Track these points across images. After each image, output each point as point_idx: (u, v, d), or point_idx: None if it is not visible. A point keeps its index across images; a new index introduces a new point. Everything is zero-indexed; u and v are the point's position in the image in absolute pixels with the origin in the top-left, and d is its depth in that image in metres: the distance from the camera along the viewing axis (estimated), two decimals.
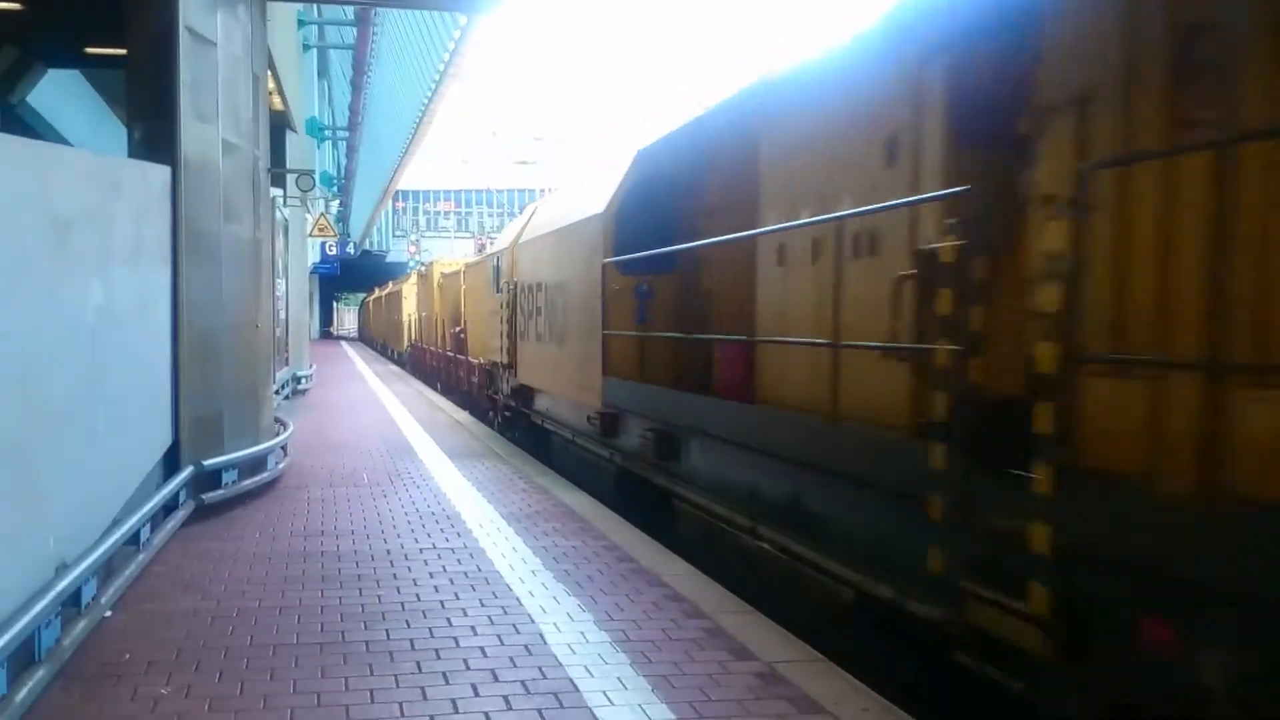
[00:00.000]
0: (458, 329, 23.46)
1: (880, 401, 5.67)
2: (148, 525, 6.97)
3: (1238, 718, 3.25)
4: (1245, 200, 3.48)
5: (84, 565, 5.34)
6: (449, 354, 24.74)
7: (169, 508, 8.01)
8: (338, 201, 45.64)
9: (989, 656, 4.45)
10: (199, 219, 8.86)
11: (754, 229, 7.36)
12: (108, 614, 5.96)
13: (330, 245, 38.19)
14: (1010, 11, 4.96)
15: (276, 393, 18.68)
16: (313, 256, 36.06)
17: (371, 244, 76.33)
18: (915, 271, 5.24)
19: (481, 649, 5.51)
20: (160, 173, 8.14)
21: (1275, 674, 3.14)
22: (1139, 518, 3.67)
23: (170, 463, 8.52)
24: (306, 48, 25.68)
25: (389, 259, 75.06)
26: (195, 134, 8.79)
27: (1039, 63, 4.59)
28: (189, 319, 8.72)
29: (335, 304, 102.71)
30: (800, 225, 6.62)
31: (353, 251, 55.50)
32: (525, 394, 14.49)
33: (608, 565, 7.35)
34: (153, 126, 8.83)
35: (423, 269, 34.23)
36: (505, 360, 15.46)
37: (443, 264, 29.39)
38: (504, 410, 16.20)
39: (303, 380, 22.38)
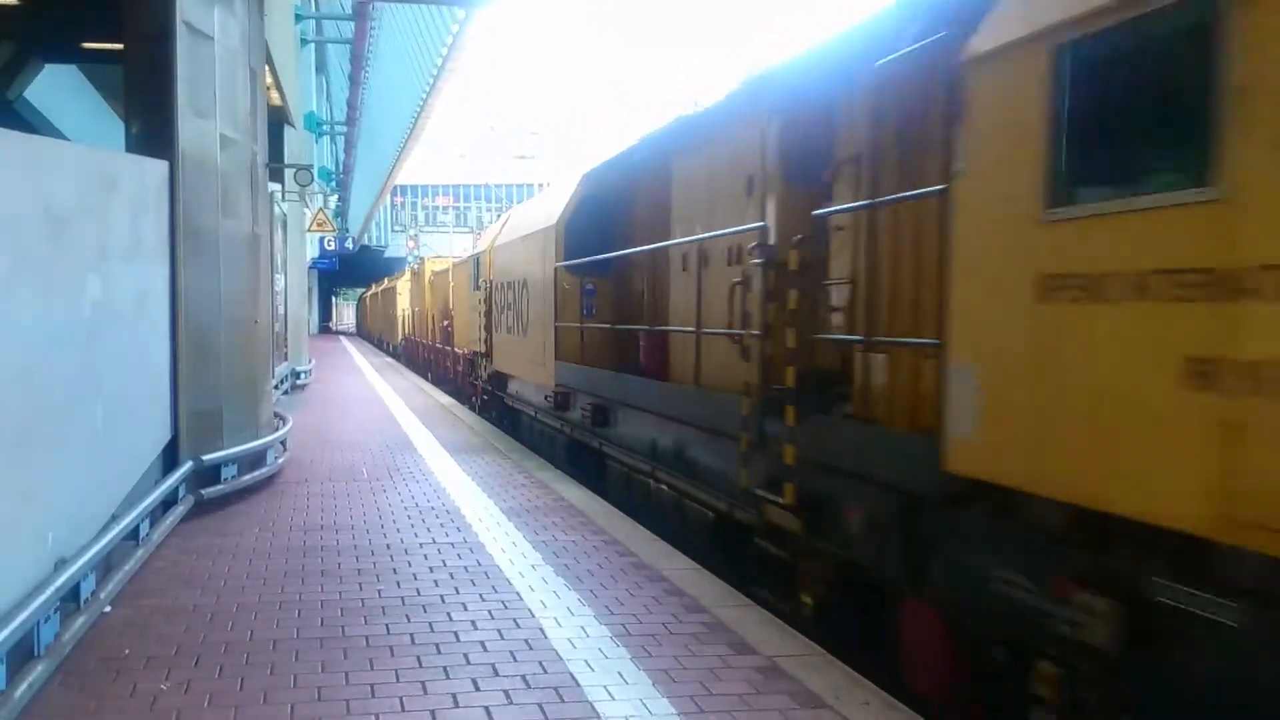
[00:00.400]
0: (446, 323, 25.13)
1: (721, 373, 7.78)
2: (147, 520, 6.97)
3: (865, 545, 5.66)
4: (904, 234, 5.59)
5: (83, 560, 5.33)
6: (438, 346, 26.54)
7: (168, 503, 8.01)
8: (336, 197, 45.60)
9: (771, 539, 6.74)
10: (197, 214, 8.84)
11: (666, 241, 9.17)
12: (107, 609, 5.95)
13: (329, 240, 38.18)
14: (817, 88, 6.69)
15: (275, 388, 18.69)
16: (311, 252, 36.04)
17: (370, 239, 76.24)
18: (740, 280, 7.32)
19: (482, 643, 5.50)
20: (158, 168, 8.11)
21: (882, 515, 5.47)
22: (836, 439, 5.91)
23: (169, 458, 8.50)
24: (304, 43, 25.62)
25: (387, 254, 75.00)
26: (193, 129, 8.76)
27: (834, 129, 6.35)
28: (187, 314, 8.70)
29: (334, 299, 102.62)
30: (677, 243, 8.78)
31: (351, 247, 55.47)
32: (499, 379, 16.54)
33: (607, 560, 7.34)
34: (150, 121, 8.80)
35: (415, 267, 36.20)
36: (483, 350, 17.50)
37: (433, 262, 31.08)
38: (483, 394, 18.15)
39: (301, 375, 22.37)
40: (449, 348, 24.12)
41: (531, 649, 5.42)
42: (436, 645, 5.47)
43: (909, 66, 5.52)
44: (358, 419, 16.83)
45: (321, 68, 35.23)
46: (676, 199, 9.14)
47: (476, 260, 18.72)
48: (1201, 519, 3.37)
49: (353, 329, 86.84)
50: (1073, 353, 3.94)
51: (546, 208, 13.40)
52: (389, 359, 38.46)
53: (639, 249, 10.14)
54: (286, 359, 21.30)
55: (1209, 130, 3.39)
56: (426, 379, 26.87)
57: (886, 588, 5.60)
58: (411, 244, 69.48)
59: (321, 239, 36.93)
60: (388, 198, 67.84)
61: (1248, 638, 3.36)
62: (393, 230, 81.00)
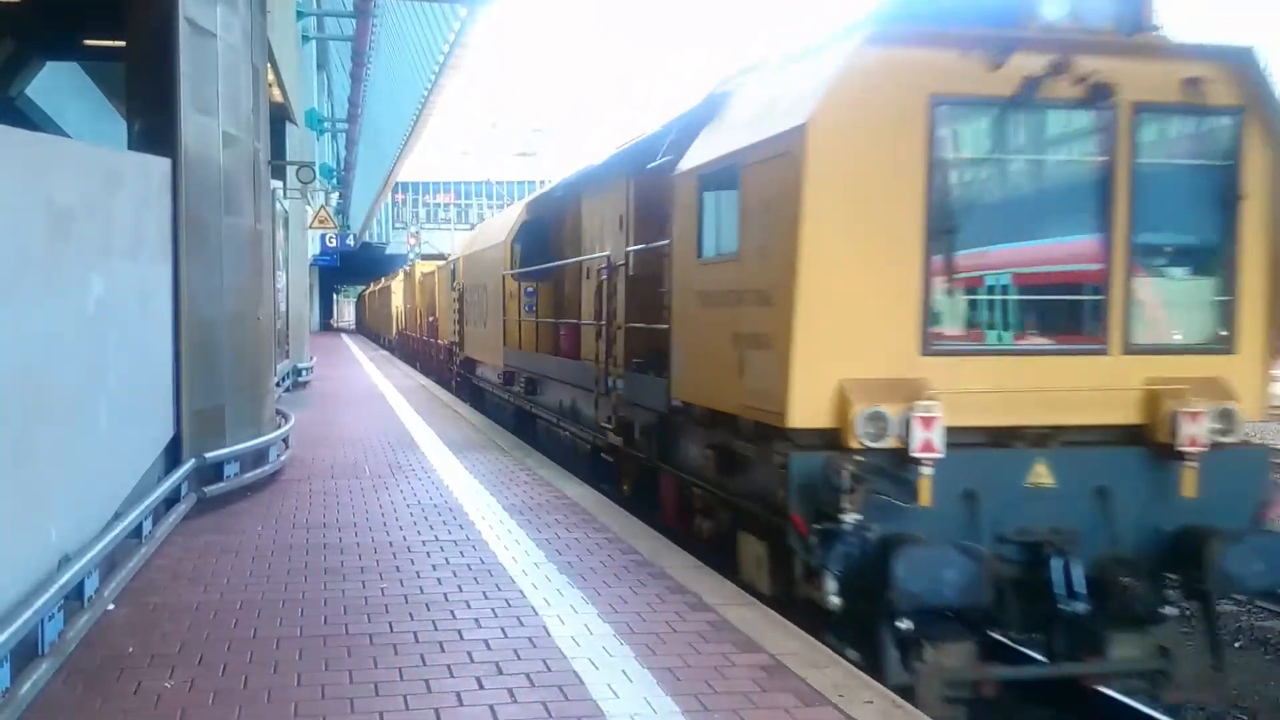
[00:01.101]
0: (431, 319, 28.60)
1: (590, 349, 11.24)
2: (150, 518, 6.96)
3: (644, 446, 9.30)
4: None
5: (87, 558, 5.33)
6: (425, 339, 30.30)
7: (171, 501, 8.00)
8: (337, 194, 45.54)
9: (613, 455, 10.36)
10: (199, 211, 8.82)
11: (577, 257, 12.57)
12: (110, 607, 5.95)
13: (330, 237, 38.15)
14: (655, 161, 9.16)
15: (277, 385, 18.67)
16: (313, 249, 36.02)
17: (371, 236, 76.13)
18: (598, 289, 10.75)
19: (486, 641, 5.50)
20: (160, 165, 8.10)
21: (649, 426, 9.07)
22: (632, 386, 9.33)
23: (172, 456, 8.49)
24: (305, 39, 25.60)
25: (388, 251, 74.87)
26: (195, 126, 8.74)
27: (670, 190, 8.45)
28: (190, 311, 8.68)
29: (335, 296, 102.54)
30: (575, 260, 12.58)
31: (352, 244, 55.42)
32: (469, 364, 20.72)
33: (610, 558, 7.34)
34: (153, 119, 8.79)
35: (407, 269, 39.66)
36: (457, 340, 21.44)
37: (422, 265, 34.40)
38: (457, 377, 22.49)
39: (303, 373, 22.34)
40: (434, 340, 27.71)
41: (535, 647, 5.41)
42: (440, 643, 5.46)
43: (656, 172, 8.95)
44: (359, 416, 16.82)
45: (323, 65, 35.17)
46: (584, 226, 12.49)
47: (453, 266, 22.40)
48: (738, 407, 6.96)
49: (353, 326, 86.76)
50: (706, 331, 7.51)
51: (501, 227, 16.78)
52: (384, 352, 41.30)
53: (560, 263, 13.37)
54: (288, 356, 21.29)
55: (741, 223, 6.97)
56: (415, 368, 29.66)
57: (655, 469, 9.18)
58: (413, 241, 69.31)
59: (323, 236, 36.88)
60: (389, 195, 67.75)
61: (756, 459, 6.86)
62: (394, 227, 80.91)
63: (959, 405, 6.17)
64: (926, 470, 6.02)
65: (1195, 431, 6.31)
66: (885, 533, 6.00)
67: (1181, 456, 6.38)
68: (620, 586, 6.58)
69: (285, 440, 11.25)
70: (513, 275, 14.96)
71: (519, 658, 5.24)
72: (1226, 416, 6.45)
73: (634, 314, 9.69)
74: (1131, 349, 6.54)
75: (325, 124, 34.46)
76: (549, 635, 5.61)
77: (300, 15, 22.53)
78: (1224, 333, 6.69)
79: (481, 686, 4.85)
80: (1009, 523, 6.26)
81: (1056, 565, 6.13)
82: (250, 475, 9.59)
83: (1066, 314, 6.66)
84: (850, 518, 5.86)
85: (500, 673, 5.03)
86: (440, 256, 33.59)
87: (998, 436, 6.43)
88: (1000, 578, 5.99)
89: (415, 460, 11.88)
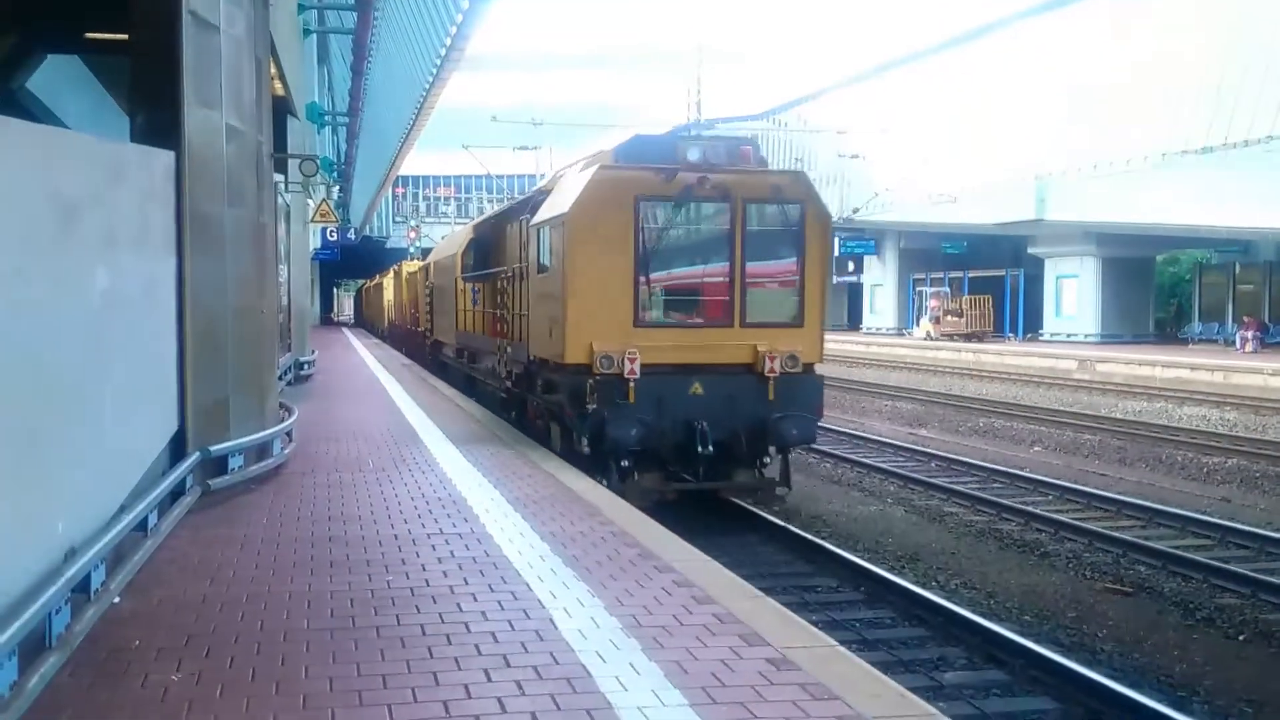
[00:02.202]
0: (414, 311, 34.06)
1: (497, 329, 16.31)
2: (155, 511, 6.96)
3: (517, 387, 15.15)
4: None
5: (93, 551, 5.33)
6: (410, 328, 35.43)
7: (176, 494, 8.00)
8: (338, 188, 45.48)
9: (507, 394, 15.70)
10: (203, 204, 8.82)
11: (497, 268, 16.65)
12: (117, 600, 5.95)
13: (331, 231, 38.09)
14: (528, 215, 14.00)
15: (280, 379, 18.66)
16: (314, 243, 35.98)
17: (372, 230, 76.02)
18: (500, 290, 15.94)
19: (492, 634, 5.50)
20: (164, 158, 8.09)
21: (520, 375, 14.64)
22: (513, 350, 14.83)
23: (176, 449, 8.49)
24: (307, 33, 25.54)
25: (389, 245, 74.78)
26: (199, 119, 8.74)
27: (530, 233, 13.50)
28: (194, 305, 8.68)
29: (336, 290, 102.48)
30: (495, 270, 16.91)
31: (353, 238, 55.32)
32: (437, 345, 26.35)
33: (616, 551, 7.33)
34: (156, 112, 8.77)
35: (397, 267, 45.47)
36: (429, 328, 27.73)
37: (408, 265, 40.54)
38: (429, 356, 27.71)
39: (305, 366, 22.32)
40: (416, 329, 32.90)
41: (542, 640, 5.41)
42: (447, 636, 5.46)
43: (523, 223, 13.93)
44: (361, 408, 16.81)
45: (324, 58, 35.10)
46: (499, 248, 16.75)
47: (427, 268, 29.18)
48: (549, 355, 12.07)
49: (353, 320, 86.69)
50: (539, 315, 12.77)
51: (458, 241, 22.00)
52: (376, 340, 46.59)
53: (489, 270, 17.56)
54: (290, 350, 21.27)
55: (550, 255, 12.32)
56: (402, 352, 35.51)
57: (524, 398, 14.31)
58: (413, 235, 69.24)
59: (324, 230, 36.84)
60: (390, 189, 67.68)
61: (556, 381, 11.92)
62: (394, 221, 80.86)
63: (654, 353, 11.42)
64: (631, 383, 11.23)
65: (774, 366, 11.60)
66: (609, 415, 11.10)
67: (768, 380, 11.61)
68: (626, 579, 6.59)
69: (289, 434, 11.24)
70: (462, 278, 20.11)
71: (526, 650, 5.24)
72: (793, 359, 11.76)
73: (515, 306, 14.70)
74: (746, 325, 11.88)
75: (326, 118, 34.41)
76: (556, 628, 5.61)
77: (301, 8, 22.49)
78: (796, 316, 12.12)
79: (489, 679, 4.85)
80: (679, 412, 11.37)
81: (701, 434, 11.21)
82: (255, 468, 9.60)
83: (712, 306, 12.06)
84: (591, 407, 11.12)
85: (508, 665, 5.03)
86: None
87: (675, 369, 11.57)
88: (662, 435, 11.31)
89: (417, 453, 11.88)
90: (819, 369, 12.24)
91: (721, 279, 11.91)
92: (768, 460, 12.24)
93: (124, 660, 5.04)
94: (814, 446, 14.82)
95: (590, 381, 11.12)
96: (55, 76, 21.97)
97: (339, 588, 6.37)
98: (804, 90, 57.91)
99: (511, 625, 5.65)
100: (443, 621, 5.72)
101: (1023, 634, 8.34)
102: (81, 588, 5.30)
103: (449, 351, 23.58)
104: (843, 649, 5.48)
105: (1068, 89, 39.64)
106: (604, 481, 10.80)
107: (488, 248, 18.13)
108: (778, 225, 12.12)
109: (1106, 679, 7.16)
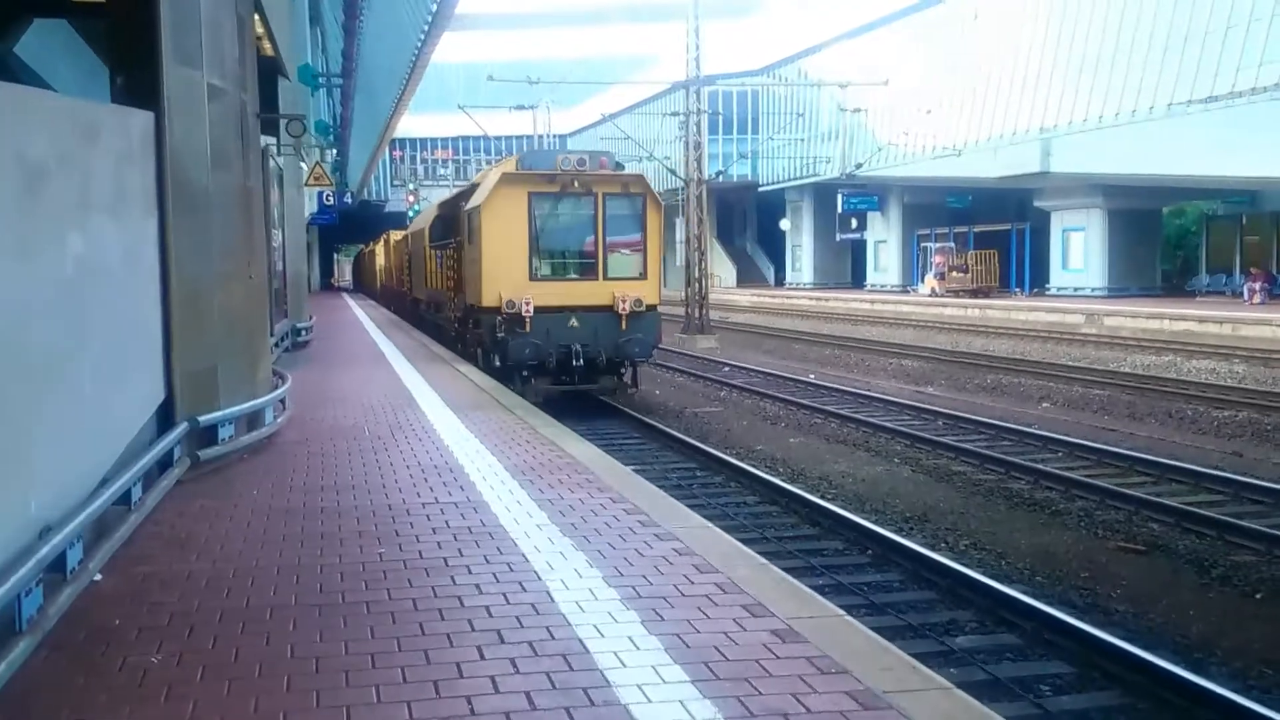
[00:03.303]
0: (399, 274, 38.54)
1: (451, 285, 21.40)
2: (139, 484, 6.72)
3: (462, 329, 20.46)
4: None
5: (67, 529, 5.10)
6: (398, 289, 39.63)
7: (164, 465, 7.78)
8: (335, 151, 45.01)
9: (455, 332, 21.34)
10: (185, 167, 8.52)
11: (454, 238, 20.72)
12: (97, 578, 5.75)
13: (328, 195, 37.72)
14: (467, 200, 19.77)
15: (276, 345, 18.42)
16: (310, 207, 35.64)
17: (370, 194, 75.49)
18: (454, 255, 20.95)
19: (486, 608, 5.30)
20: (142, 119, 7.79)
21: (466, 319, 19.69)
22: (459, 299, 20.24)
23: (164, 419, 8.26)
24: None
25: (388, 209, 74.25)
26: (178, 77, 8.42)
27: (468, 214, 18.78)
28: (178, 270, 8.40)
29: (336, 256, 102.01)
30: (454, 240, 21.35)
31: (350, 201, 54.90)
32: (415, 301, 31.10)
33: (615, 519, 7.12)
34: (135, 71, 8.45)
35: (386, 236, 49.31)
36: (409, 287, 32.95)
37: (394, 233, 44.58)
38: (410, 312, 32.30)
39: (303, 332, 22.09)
40: (402, 289, 37.15)
41: (538, 613, 5.21)
42: (440, 611, 5.26)
43: (461, 206, 19.50)
44: (359, 375, 16.59)
45: (316, 19, 34.60)
46: (456, 223, 20.37)
47: (408, 237, 35.00)
48: (476, 300, 17.47)
49: (352, 285, 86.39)
50: (471, 273, 18.10)
51: (428, 215, 27.07)
52: (372, 302, 49.96)
53: (446, 240, 21.66)
54: (286, 316, 21.02)
55: (477, 230, 17.65)
56: (390, 310, 40.36)
57: (464, 334, 19.85)
58: (411, 199, 68.71)
59: (321, 194, 36.49)
60: (386, 152, 67.11)
61: (480, 319, 17.79)
62: (392, 185, 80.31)
63: (543, 298, 16.57)
64: (527, 319, 16.34)
65: (625, 306, 16.68)
66: (512, 341, 16.21)
67: (621, 316, 16.67)
68: (626, 548, 6.38)
69: (283, 401, 11.02)
70: (430, 246, 24.05)
71: (521, 625, 5.03)
72: (638, 302, 16.80)
73: (459, 269, 19.86)
74: (606, 279, 16.93)
75: (321, 80, 33.97)
76: (552, 601, 5.40)
77: None
78: (641, 273, 17.22)
79: (482, 656, 4.65)
80: (561, 339, 16.43)
81: (576, 353, 16.43)
82: (247, 438, 9.37)
83: (583, 266, 17.20)
84: (500, 336, 16.37)
85: (502, 641, 4.82)
86: None
87: (558, 309, 16.61)
88: (549, 354, 16.39)
89: (415, 419, 11.67)
90: (660, 309, 18.08)
91: (590, 247, 17.22)
92: (624, 370, 17.72)
93: (102, 642, 4.84)
94: (819, 406, 18.19)
95: (499, 319, 16.53)
96: (46, 42, 21.55)
97: (329, 561, 6.17)
98: (805, 43, 57.30)
99: (506, 598, 5.44)
100: (435, 595, 5.51)
101: (1035, 595, 8.17)
102: (57, 567, 5.08)
103: (423, 306, 28.69)
104: (850, 619, 5.27)
105: (1073, 38, 39.10)
106: (513, 387, 15.62)
107: (446, 223, 22.22)
108: (626, 211, 17.22)
109: (1121, 641, 6.97)
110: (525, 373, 16.60)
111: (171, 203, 8.28)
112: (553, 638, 4.87)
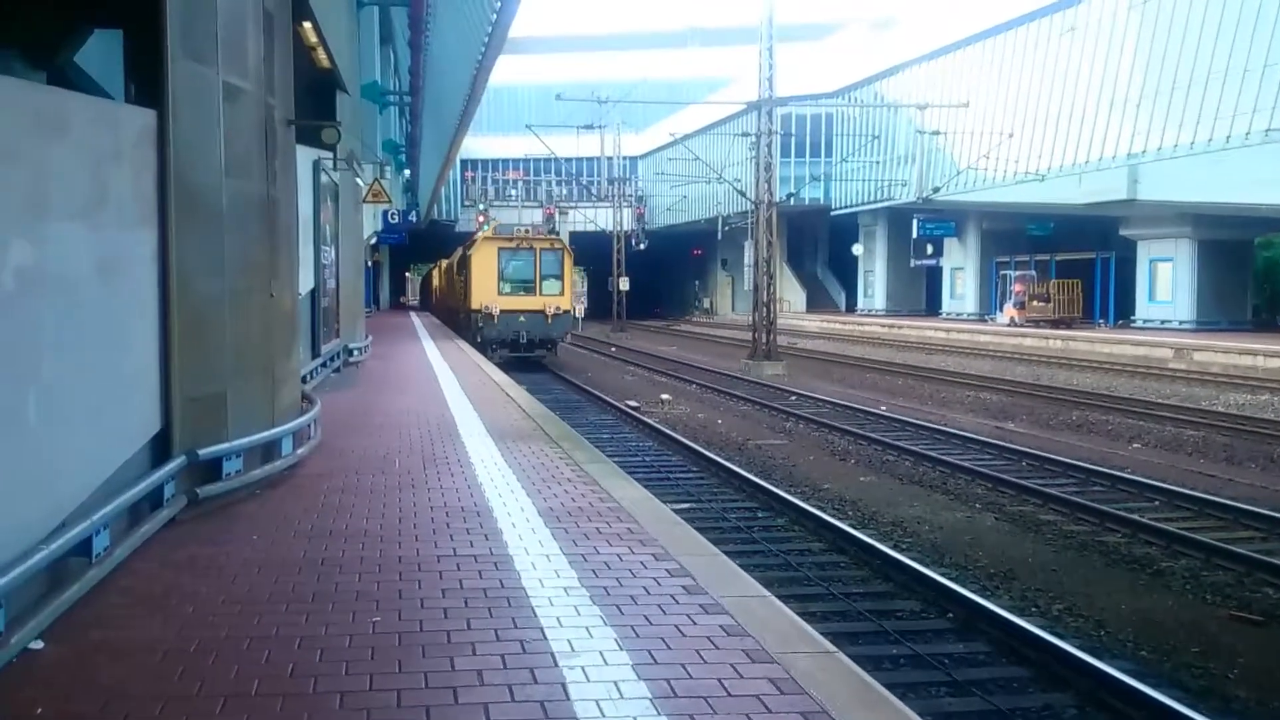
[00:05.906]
0: (446, 291, 47.67)
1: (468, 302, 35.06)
2: (104, 531, 5.82)
3: (473, 326, 33.79)
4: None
5: None
6: (447, 304, 47.59)
7: (155, 504, 6.92)
8: (406, 170, 44.60)
9: (478, 336, 32.32)
10: (193, 172, 7.70)
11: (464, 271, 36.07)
12: (38, 645, 4.86)
13: (392, 214, 37.30)
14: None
15: (323, 366, 17.69)
16: (374, 225, 35.22)
17: (440, 213, 75.46)
18: (462, 281, 37.08)
19: (485, 707, 4.29)
20: (138, 116, 6.98)
21: (474, 321, 33.55)
22: (479, 316, 32.92)
23: (160, 451, 7.40)
24: (361, 5, 24.58)
25: (458, 229, 74.09)
26: (187, 74, 7.61)
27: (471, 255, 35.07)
28: (181, 285, 7.55)
29: (408, 275, 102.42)
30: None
31: (415, 220, 54.79)
32: (453, 312, 39.49)
33: (656, 582, 6.06)
34: (140, 65, 7.69)
35: (446, 258, 54.84)
36: (452, 302, 41.56)
37: (444, 260, 53.37)
38: (449, 315, 41.54)
39: (355, 352, 21.37)
40: (448, 304, 45.71)
41: (547, 718, 4.19)
42: (426, 709, 4.26)
43: (465, 254, 35.81)
44: (404, 399, 15.73)
45: (388, 38, 34.18)
46: (465, 260, 34.40)
47: (452, 265, 44.17)
48: (473, 305, 32.65)
49: (419, 304, 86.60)
50: (468, 291, 33.67)
51: (455, 255, 41.77)
52: (435, 319, 52.25)
53: (461, 271, 34.74)
54: (338, 335, 20.33)
55: (469, 268, 34.65)
56: (441, 320, 47.55)
57: (465, 326, 34.05)
58: (482, 219, 68.54)
59: (385, 212, 36.06)
60: (456, 172, 66.91)
61: (475, 316, 32.45)
62: (463, 205, 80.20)
63: (505, 305, 31.04)
64: (495, 318, 30.96)
65: (551, 312, 31.45)
66: (486, 329, 30.98)
67: (549, 317, 31.40)
68: (664, 624, 5.33)
69: (311, 427, 10.17)
70: (455, 273, 30.74)
71: None
72: (558, 309, 31.57)
73: (463, 288, 32.95)
74: (543, 294, 31.52)
75: (391, 98, 33.51)
76: (567, 699, 4.38)
77: None
78: (561, 293, 31.91)
79: None
80: (516, 329, 31.09)
81: (522, 336, 31.23)
82: (259, 472, 8.48)
83: (528, 288, 31.60)
84: (480, 326, 30.97)
85: None
86: None
87: (513, 312, 30.99)
88: (507, 337, 31.15)
89: (452, 451, 10.74)
90: (573, 314, 33.95)
91: (531, 279, 31.41)
92: (551, 346, 31.77)
93: None
94: (892, 441, 17.06)
95: (479, 315, 30.53)
96: (106, 52, 21.24)
97: (312, 631, 5.20)
98: (882, 65, 55.96)
99: (511, 693, 4.43)
100: (426, 685, 4.51)
101: (1142, 675, 7.03)
102: None
103: (456, 313, 39.34)
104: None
105: (1163, 62, 37.45)
106: (489, 356, 26.70)
107: (462, 261, 35.61)
108: (553, 258, 31.94)
109: None
110: (495, 347, 30.40)
111: (175, 211, 7.45)
112: None
